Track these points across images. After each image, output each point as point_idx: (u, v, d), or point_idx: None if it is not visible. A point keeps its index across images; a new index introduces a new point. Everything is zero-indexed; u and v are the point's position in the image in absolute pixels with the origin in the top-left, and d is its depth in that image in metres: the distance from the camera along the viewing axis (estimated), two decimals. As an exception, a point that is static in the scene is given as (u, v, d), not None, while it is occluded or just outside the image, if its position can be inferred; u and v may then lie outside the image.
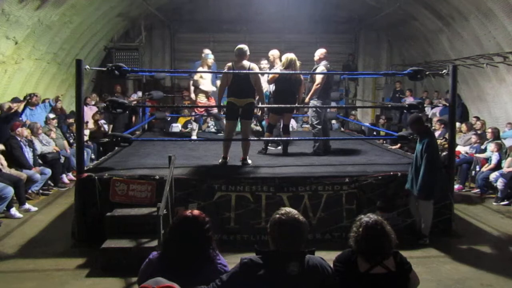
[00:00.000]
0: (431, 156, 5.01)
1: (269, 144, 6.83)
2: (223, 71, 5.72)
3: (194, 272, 2.28)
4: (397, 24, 12.87)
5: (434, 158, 5.07)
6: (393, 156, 6.65)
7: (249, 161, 5.72)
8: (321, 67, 6.48)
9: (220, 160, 5.73)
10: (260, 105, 6.19)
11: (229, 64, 5.60)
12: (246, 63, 5.53)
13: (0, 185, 5.91)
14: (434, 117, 10.53)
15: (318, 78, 6.42)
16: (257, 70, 5.75)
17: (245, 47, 5.61)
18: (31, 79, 8.93)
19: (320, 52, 6.63)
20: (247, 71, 5.49)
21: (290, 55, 6.34)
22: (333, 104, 8.73)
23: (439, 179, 5.10)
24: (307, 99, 6.66)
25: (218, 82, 7.60)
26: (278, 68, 6.68)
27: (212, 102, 7.75)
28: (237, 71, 5.48)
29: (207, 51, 7.92)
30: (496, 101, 9.78)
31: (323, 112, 6.70)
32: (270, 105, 6.60)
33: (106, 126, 10.35)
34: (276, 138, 6.78)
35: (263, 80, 6.83)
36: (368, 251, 2.38)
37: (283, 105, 6.22)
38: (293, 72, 6.22)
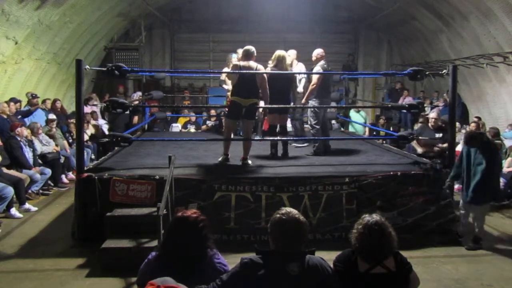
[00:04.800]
0: (494, 166, 4.99)
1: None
2: (228, 71, 5.72)
3: (192, 271, 2.28)
4: (397, 24, 12.87)
5: (497, 168, 5.10)
6: (393, 156, 6.64)
7: (250, 161, 5.72)
8: (317, 67, 6.47)
9: (221, 157, 5.72)
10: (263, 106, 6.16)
11: (236, 63, 5.62)
12: (253, 63, 5.53)
13: (0, 185, 5.91)
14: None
15: (314, 78, 6.41)
16: (263, 71, 5.72)
17: (252, 48, 5.61)
18: (31, 79, 8.93)
19: (317, 53, 6.61)
20: (249, 71, 5.49)
21: (279, 52, 6.23)
22: (333, 104, 8.72)
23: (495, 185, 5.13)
24: (304, 100, 6.62)
25: None
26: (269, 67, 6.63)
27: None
28: (241, 71, 5.47)
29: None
30: (496, 101, 9.78)
31: (322, 112, 6.70)
32: (270, 105, 6.59)
33: (105, 127, 10.36)
34: (276, 138, 6.75)
35: None
36: (369, 251, 2.39)
37: (282, 105, 6.19)
38: (290, 72, 6.24)
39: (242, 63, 5.55)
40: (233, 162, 5.78)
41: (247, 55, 5.57)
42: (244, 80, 5.48)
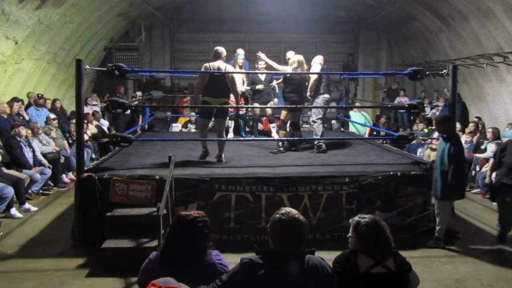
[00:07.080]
0: (460, 158, 4.94)
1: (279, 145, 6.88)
2: (201, 70, 5.80)
3: (193, 272, 2.28)
4: (397, 24, 12.87)
5: (462, 160, 5.04)
6: (393, 156, 6.64)
7: (223, 159, 5.82)
8: (317, 65, 6.76)
9: (201, 152, 5.89)
10: (235, 104, 6.37)
11: (206, 64, 5.73)
12: (222, 64, 5.65)
13: (0, 185, 5.91)
14: (434, 117, 10.53)
15: (312, 76, 6.66)
16: (232, 71, 5.93)
17: (220, 48, 5.74)
18: (31, 79, 8.93)
19: (317, 58, 6.90)
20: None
21: (298, 57, 6.59)
22: (333, 104, 8.77)
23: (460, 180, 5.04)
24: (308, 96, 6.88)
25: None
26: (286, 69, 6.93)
27: (242, 102, 7.73)
28: (214, 71, 5.60)
29: (239, 51, 7.97)
30: (496, 101, 9.78)
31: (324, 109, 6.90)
32: (277, 106, 6.66)
33: (105, 127, 10.35)
34: (286, 138, 6.84)
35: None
36: (368, 245, 2.40)
37: (288, 106, 6.49)
38: (283, 72, 6.45)
39: (211, 63, 5.66)
40: (232, 162, 5.80)
41: (216, 56, 5.69)
42: (214, 81, 5.61)
